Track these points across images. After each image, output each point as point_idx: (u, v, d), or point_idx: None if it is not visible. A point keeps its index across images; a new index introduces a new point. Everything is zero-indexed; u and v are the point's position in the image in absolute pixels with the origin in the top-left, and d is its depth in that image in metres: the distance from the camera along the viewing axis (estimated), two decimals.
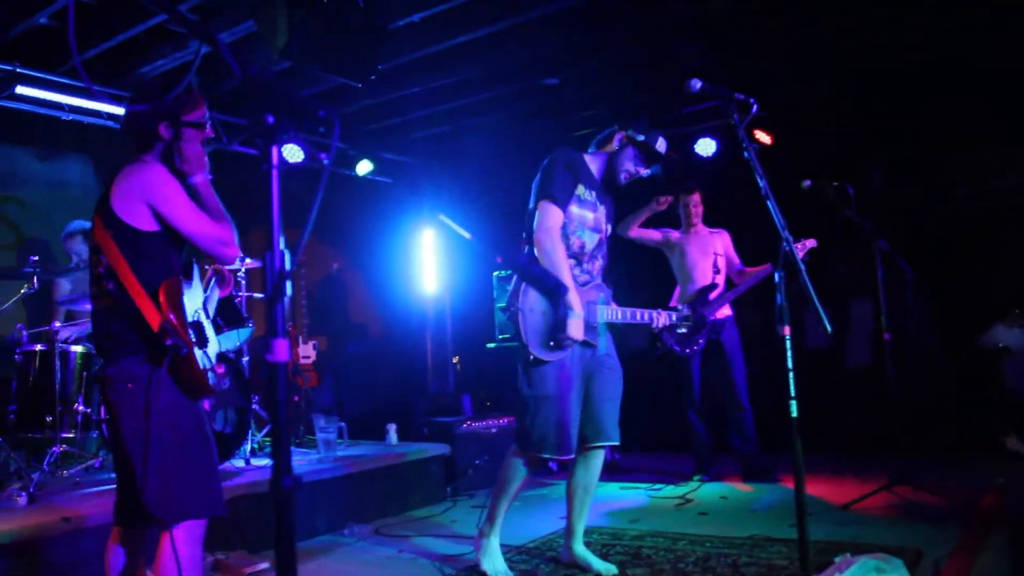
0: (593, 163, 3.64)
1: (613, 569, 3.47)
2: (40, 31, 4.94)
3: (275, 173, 1.40)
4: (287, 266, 1.41)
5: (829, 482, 5.01)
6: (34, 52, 5.09)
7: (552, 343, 3.32)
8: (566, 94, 6.38)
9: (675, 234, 5.65)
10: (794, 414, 2.86)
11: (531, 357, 3.32)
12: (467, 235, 7.41)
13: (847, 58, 5.70)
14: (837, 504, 4.46)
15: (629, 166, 3.62)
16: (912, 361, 5.57)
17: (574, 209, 3.46)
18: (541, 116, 6.86)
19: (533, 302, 3.34)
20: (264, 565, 3.79)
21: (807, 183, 4.62)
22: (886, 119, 6.16)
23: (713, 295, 5.34)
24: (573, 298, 3.30)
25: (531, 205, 3.46)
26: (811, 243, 5.09)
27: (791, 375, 2.89)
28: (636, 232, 5.59)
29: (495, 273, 6.96)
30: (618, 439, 3.63)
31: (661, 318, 3.81)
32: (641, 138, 3.59)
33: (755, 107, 3.03)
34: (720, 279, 5.47)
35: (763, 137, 5.99)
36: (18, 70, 5.10)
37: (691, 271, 5.53)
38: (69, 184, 5.96)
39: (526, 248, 3.50)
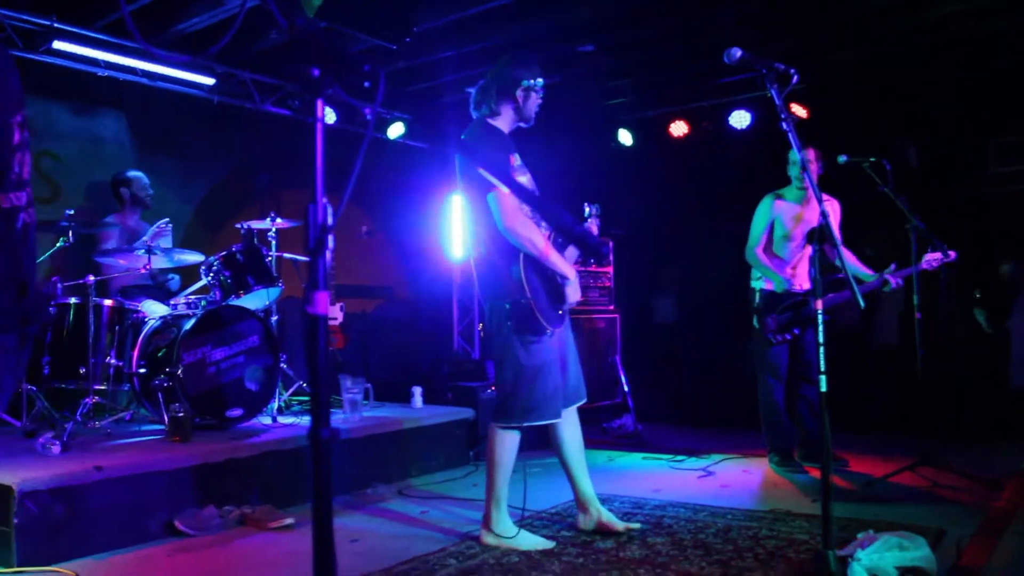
0: (504, 125, 3.52)
1: (635, 525, 3.58)
2: None
3: (320, 126, 1.40)
4: (329, 220, 1.41)
5: (855, 460, 4.99)
6: (71, 7, 5.12)
7: (560, 313, 3.42)
8: (600, 62, 6.30)
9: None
10: (823, 388, 2.86)
11: (549, 331, 3.35)
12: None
13: (886, 33, 5.59)
14: (861, 482, 4.45)
15: (534, 106, 3.54)
16: (943, 342, 5.51)
17: (521, 178, 3.45)
18: (574, 84, 6.80)
19: (536, 284, 3.34)
20: (290, 519, 3.87)
21: (843, 158, 4.56)
22: (924, 97, 6.04)
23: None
24: (566, 266, 3.39)
25: (480, 193, 3.34)
26: (951, 255, 4.62)
27: (821, 350, 2.88)
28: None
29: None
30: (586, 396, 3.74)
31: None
32: (542, 81, 3.52)
33: (795, 77, 2.99)
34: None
35: (799, 111, 5.91)
36: (55, 25, 5.14)
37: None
38: (104, 140, 6.01)
39: (483, 248, 3.43)
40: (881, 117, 6.17)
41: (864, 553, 2.94)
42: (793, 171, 4.90)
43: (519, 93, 3.48)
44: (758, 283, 4.98)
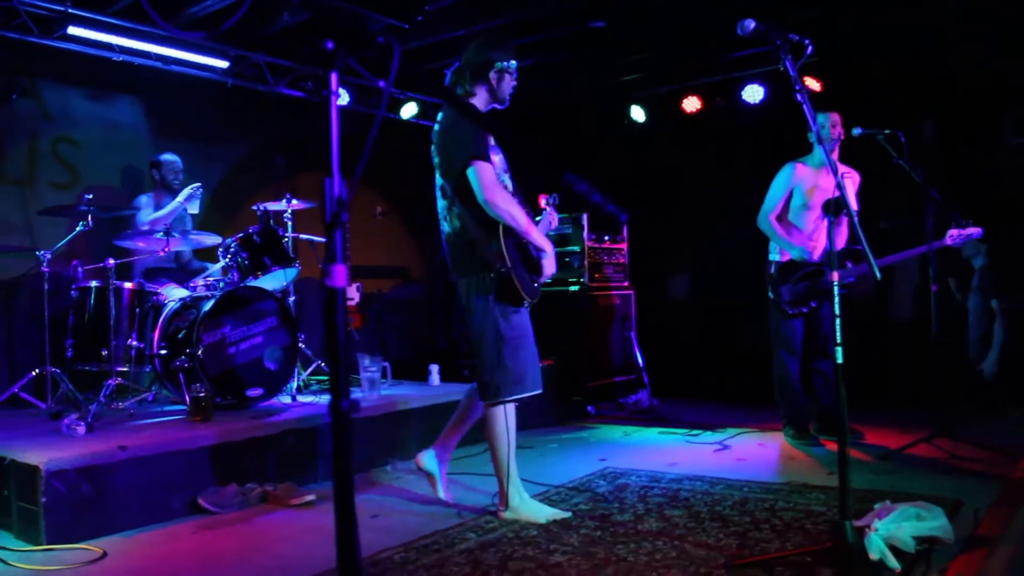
0: (479, 105, 3.55)
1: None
2: None
3: (334, 99, 1.41)
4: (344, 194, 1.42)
5: (871, 433, 5.00)
6: None
7: (536, 285, 3.52)
8: (611, 38, 6.26)
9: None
10: (839, 360, 2.86)
11: (526, 302, 3.45)
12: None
13: (899, 5, 5.51)
14: (877, 454, 4.46)
15: (508, 88, 3.56)
16: (955, 313, 5.49)
17: (495, 158, 3.46)
18: (586, 61, 6.77)
19: (515, 255, 3.41)
20: (310, 496, 3.92)
21: (857, 130, 4.53)
22: (939, 68, 5.98)
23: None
24: (543, 239, 3.49)
25: (457, 167, 3.36)
26: (976, 231, 4.54)
27: (838, 322, 2.88)
28: None
29: (537, 218, 6.93)
30: None
31: None
32: (515, 63, 3.54)
33: (810, 48, 2.97)
34: None
35: (812, 83, 5.86)
36: (70, 11, 5.17)
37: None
38: (120, 125, 6.05)
39: (458, 221, 3.46)
40: (896, 89, 6.11)
41: (881, 523, 2.95)
42: (814, 136, 4.84)
43: (492, 75, 3.50)
44: (775, 255, 4.96)
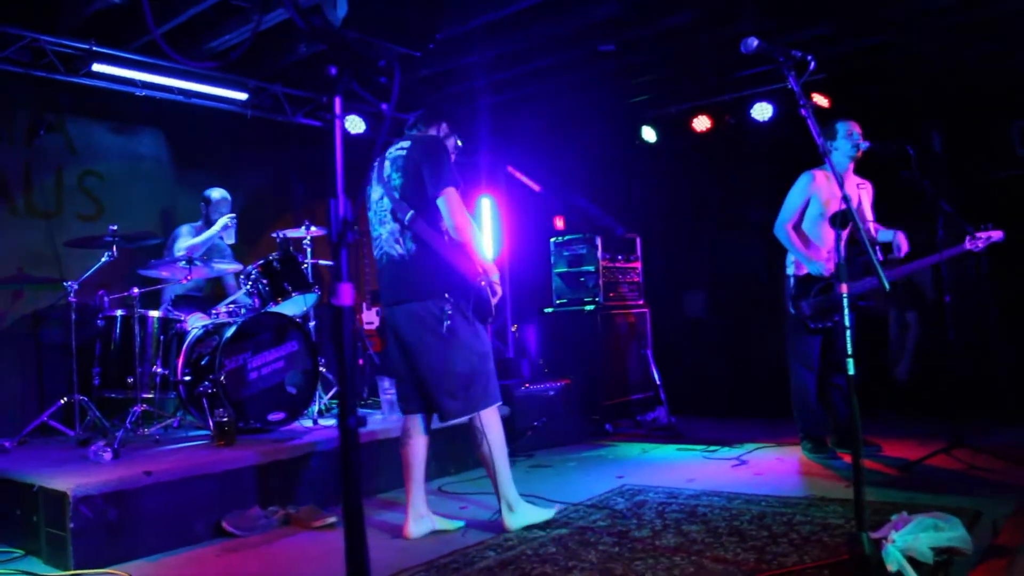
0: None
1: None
2: (113, 9, 5.14)
3: (339, 123, 1.48)
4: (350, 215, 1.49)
5: (889, 444, 4.98)
6: (108, 30, 5.30)
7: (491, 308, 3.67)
8: (621, 60, 6.35)
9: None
10: (851, 371, 2.88)
11: (491, 319, 3.67)
12: (536, 187, 7.55)
13: (906, 18, 5.55)
14: (896, 466, 4.45)
15: (449, 152, 3.76)
16: (974, 324, 5.48)
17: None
18: (597, 83, 6.86)
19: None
20: (332, 518, 3.98)
21: (865, 144, 4.56)
22: (946, 81, 6.01)
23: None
24: (490, 263, 3.69)
25: (431, 193, 3.50)
26: (997, 235, 4.50)
27: (848, 333, 2.90)
28: None
29: (552, 239, 7.02)
30: None
31: None
32: (457, 138, 3.90)
33: (812, 64, 3.03)
34: None
35: (820, 100, 5.91)
36: (94, 48, 5.33)
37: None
38: (143, 157, 6.21)
39: (415, 244, 3.56)
40: (903, 103, 6.14)
41: (899, 534, 2.96)
42: (828, 144, 4.78)
43: (445, 125, 3.84)
44: (791, 268, 4.96)
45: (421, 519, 3.72)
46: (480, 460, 3.70)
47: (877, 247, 4.70)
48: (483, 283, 3.56)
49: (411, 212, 3.53)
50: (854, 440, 2.82)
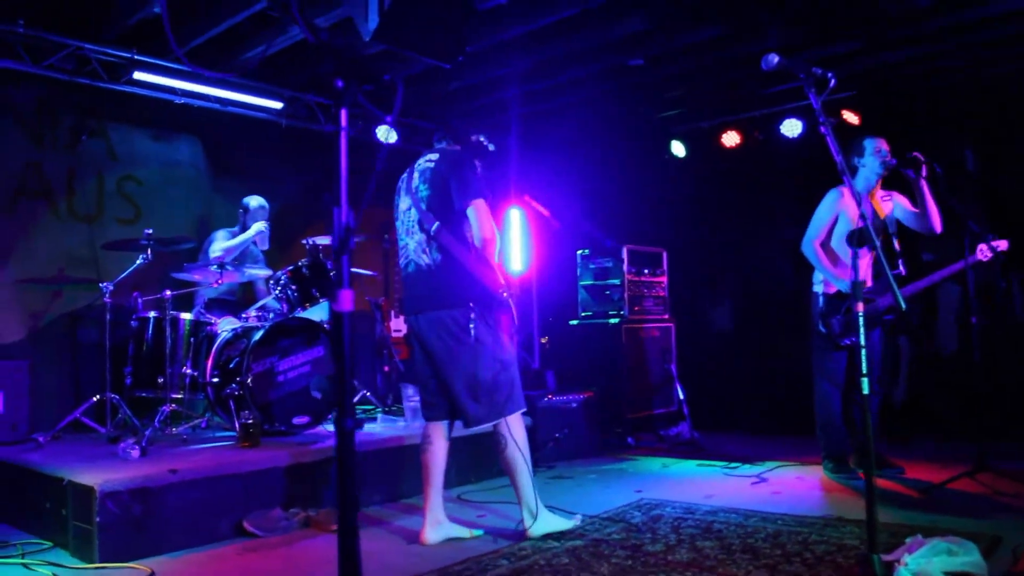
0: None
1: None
2: (155, 20, 5.30)
3: (343, 135, 1.54)
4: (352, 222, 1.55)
5: (913, 466, 4.93)
6: (150, 39, 5.46)
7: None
8: (651, 75, 6.37)
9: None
10: (865, 391, 2.88)
11: (514, 329, 3.76)
12: (546, 212, 7.58)
13: (937, 32, 5.50)
14: (918, 488, 4.41)
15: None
16: (1003, 346, 5.39)
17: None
18: (627, 97, 6.89)
19: None
20: None
21: (892, 162, 4.54)
22: (980, 99, 5.94)
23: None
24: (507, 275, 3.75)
25: (458, 205, 3.59)
26: (1002, 245, 4.53)
27: (863, 352, 2.90)
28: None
29: (579, 252, 7.05)
30: None
31: None
32: (492, 147, 3.93)
33: (833, 81, 3.03)
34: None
35: (851, 117, 5.88)
36: (136, 57, 5.49)
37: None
38: (180, 163, 6.37)
39: (440, 254, 3.63)
40: (936, 119, 6.09)
41: (911, 558, 2.94)
42: (856, 160, 4.81)
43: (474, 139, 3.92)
44: (819, 287, 4.93)
45: (438, 525, 3.76)
46: (503, 467, 3.75)
47: (900, 260, 4.65)
48: (505, 294, 3.62)
49: (437, 223, 3.61)
50: (867, 459, 2.81)
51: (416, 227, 3.71)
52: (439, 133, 3.91)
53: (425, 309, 3.67)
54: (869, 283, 4.80)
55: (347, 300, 1.54)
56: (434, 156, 3.76)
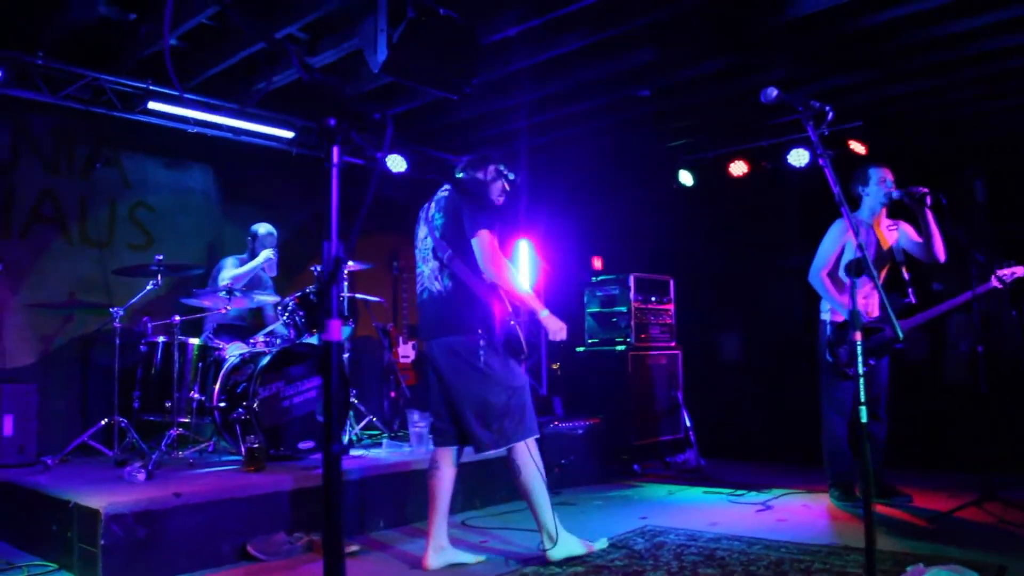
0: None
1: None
2: (171, 52, 5.42)
3: (335, 171, 1.60)
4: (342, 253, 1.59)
5: (921, 496, 4.89)
6: (163, 70, 5.58)
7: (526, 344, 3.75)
8: (658, 105, 6.44)
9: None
10: (863, 419, 2.89)
11: (524, 355, 3.73)
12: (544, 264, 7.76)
13: (945, 64, 5.56)
14: (925, 517, 4.38)
15: (495, 196, 3.91)
16: (1010, 376, 5.37)
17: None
18: (635, 127, 6.96)
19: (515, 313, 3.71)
20: (355, 547, 4.05)
21: (896, 193, 4.57)
22: (987, 130, 5.97)
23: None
24: (537, 302, 3.77)
25: (468, 234, 3.63)
26: (1020, 271, 4.49)
27: (861, 381, 2.91)
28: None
29: (587, 279, 7.09)
30: None
31: None
32: (512, 176, 3.91)
33: (831, 114, 3.07)
34: None
35: (858, 147, 5.91)
36: (151, 87, 5.60)
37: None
38: (192, 191, 6.47)
39: (451, 281, 3.69)
40: (945, 149, 6.12)
41: None
42: (861, 190, 4.88)
43: (491, 168, 3.92)
44: (827, 315, 4.94)
45: (441, 551, 3.77)
46: (520, 492, 3.76)
47: (910, 290, 4.65)
48: (513, 322, 3.65)
49: (449, 251, 3.69)
50: (866, 488, 2.83)
51: (431, 255, 3.78)
52: (462, 162, 3.97)
53: (437, 335, 3.73)
54: (876, 313, 4.81)
55: (336, 330, 1.58)
56: (450, 186, 3.85)
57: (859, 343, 2.94)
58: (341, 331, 1.61)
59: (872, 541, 2.75)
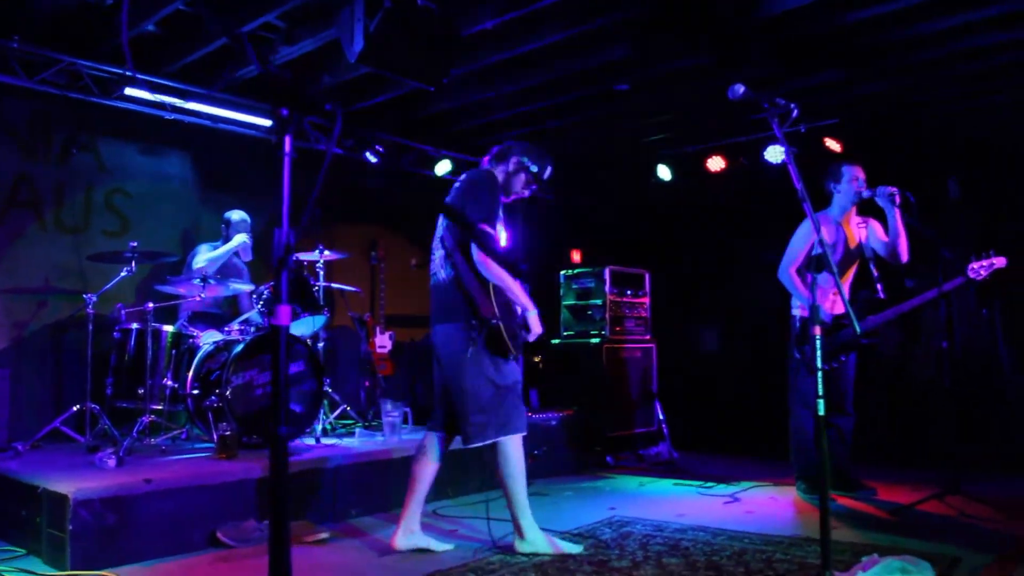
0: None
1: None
2: (147, 37, 5.40)
3: (287, 160, 1.62)
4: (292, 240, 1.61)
5: (885, 489, 4.97)
6: (141, 56, 5.56)
7: (519, 342, 3.75)
8: (637, 100, 6.48)
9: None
10: (821, 412, 2.94)
11: (511, 355, 3.70)
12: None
13: (922, 63, 5.62)
14: (887, 510, 4.46)
15: (519, 188, 3.92)
16: (977, 372, 5.46)
17: (500, 228, 3.76)
18: (614, 121, 7.00)
19: (503, 312, 3.67)
20: (325, 534, 4.09)
21: (866, 192, 4.62)
22: (961, 129, 6.04)
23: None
24: (527, 299, 3.75)
25: (469, 220, 3.64)
26: (1000, 261, 4.52)
27: (820, 375, 2.97)
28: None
29: (563, 272, 7.13)
30: None
31: None
32: (535, 168, 3.90)
33: (795, 112, 3.12)
34: None
35: (833, 145, 5.97)
36: (127, 73, 5.58)
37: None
38: (170, 177, 6.45)
39: (451, 271, 3.72)
40: (919, 148, 6.19)
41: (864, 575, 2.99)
42: (833, 187, 4.92)
43: (513, 160, 3.90)
44: (797, 311, 5.01)
45: (411, 534, 3.83)
46: (499, 484, 3.79)
47: (879, 285, 4.72)
48: (495, 321, 3.62)
49: (452, 241, 3.73)
50: (821, 478, 2.87)
51: (439, 242, 3.82)
52: (490, 153, 3.98)
53: (437, 321, 3.79)
54: (843, 309, 4.86)
55: (284, 315, 1.60)
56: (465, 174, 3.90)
57: (818, 337, 3.00)
58: (289, 316, 1.64)
59: (827, 532, 2.81)
